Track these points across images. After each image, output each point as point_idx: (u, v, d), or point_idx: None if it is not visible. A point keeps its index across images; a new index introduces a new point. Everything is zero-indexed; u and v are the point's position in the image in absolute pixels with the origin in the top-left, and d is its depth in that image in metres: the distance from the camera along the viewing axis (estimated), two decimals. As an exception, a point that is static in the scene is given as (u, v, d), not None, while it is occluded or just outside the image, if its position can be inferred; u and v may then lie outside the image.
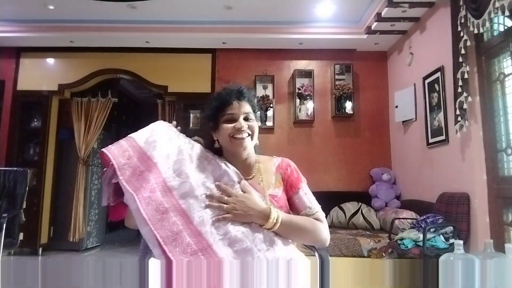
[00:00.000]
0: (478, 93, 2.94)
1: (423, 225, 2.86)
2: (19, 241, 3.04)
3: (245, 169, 1.25)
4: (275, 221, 1.11)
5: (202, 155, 1.21)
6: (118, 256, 4.72)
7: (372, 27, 4.11)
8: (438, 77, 3.44)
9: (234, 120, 1.20)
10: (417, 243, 2.83)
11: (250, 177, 1.25)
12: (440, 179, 3.42)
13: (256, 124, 1.24)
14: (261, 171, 1.27)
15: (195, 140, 1.30)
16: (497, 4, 2.37)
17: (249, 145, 1.22)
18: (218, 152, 1.27)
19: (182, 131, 1.29)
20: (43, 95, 4.79)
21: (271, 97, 4.64)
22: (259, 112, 1.30)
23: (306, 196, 1.26)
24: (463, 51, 2.86)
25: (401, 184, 4.36)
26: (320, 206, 1.27)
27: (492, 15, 2.47)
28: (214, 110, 1.23)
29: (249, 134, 1.21)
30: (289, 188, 1.26)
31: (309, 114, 4.68)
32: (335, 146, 4.68)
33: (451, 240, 2.80)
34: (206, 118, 1.28)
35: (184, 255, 0.96)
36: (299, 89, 4.67)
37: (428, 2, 3.57)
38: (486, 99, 2.89)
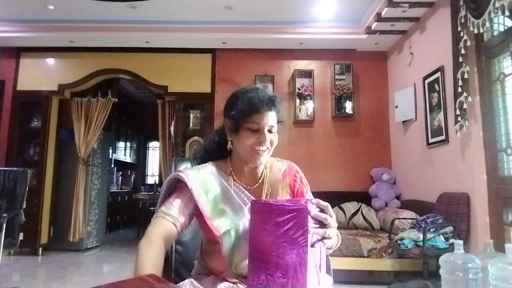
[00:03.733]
0: (478, 93, 2.94)
1: (423, 225, 2.86)
2: (19, 241, 3.03)
3: (252, 177, 1.20)
4: (339, 242, 1.10)
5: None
6: (118, 256, 4.73)
7: (372, 27, 4.11)
8: (438, 77, 3.44)
9: (257, 130, 1.11)
10: (417, 243, 2.83)
11: (256, 186, 1.19)
12: (440, 179, 3.42)
13: (276, 139, 1.15)
14: (268, 179, 1.21)
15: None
16: (497, 4, 2.37)
17: (265, 158, 1.15)
18: (226, 152, 1.21)
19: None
20: (43, 95, 4.79)
21: (271, 97, 4.63)
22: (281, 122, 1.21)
23: None
24: (463, 51, 2.86)
25: (401, 184, 4.36)
26: None
27: (492, 15, 2.47)
28: (240, 112, 1.11)
29: (267, 148, 1.13)
30: (299, 197, 1.22)
31: (309, 114, 4.68)
32: (335, 146, 4.68)
33: (451, 240, 2.80)
34: (228, 116, 1.16)
35: None
36: (299, 89, 4.67)
37: (428, 2, 3.56)
38: (486, 99, 2.89)
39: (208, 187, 1.12)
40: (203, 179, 1.13)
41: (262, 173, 1.21)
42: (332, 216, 0.96)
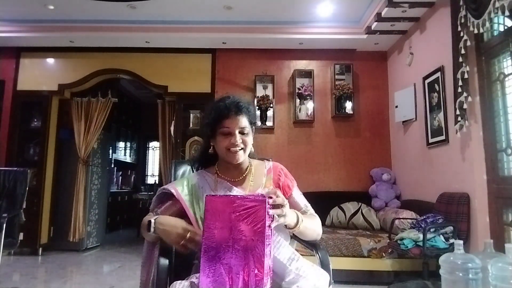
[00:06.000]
0: (478, 93, 2.94)
1: (423, 225, 2.86)
2: (19, 241, 3.03)
3: (237, 171, 1.34)
4: (301, 221, 1.17)
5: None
6: (118, 256, 4.73)
7: (372, 27, 4.11)
8: (438, 77, 3.44)
9: (229, 134, 1.26)
10: (417, 243, 2.83)
11: (239, 178, 1.33)
12: (440, 179, 3.42)
13: (250, 139, 1.30)
14: (252, 173, 1.35)
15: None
16: (497, 4, 2.37)
17: (242, 157, 1.29)
18: (214, 156, 1.37)
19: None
20: (43, 95, 4.79)
21: (271, 97, 4.64)
22: (257, 123, 1.38)
23: (300, 197, 1.37)
24: (463, 51, 2.86)
25: (401, 184, 4.35)
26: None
27: (492, 15, 2.47)
28: (212, 120, 1.29)
29: (242, 148, 1.27)
30: (283, 191, 1.33)
31: (309, 114, 4.68)
32: (335, 146, 4.68)
33: (451, 240, 2.80)
34: (205, 125, 1.35)
35: None
36: (299, 89, 4.67)
37: (428, 2, 3.57)
38: (486, 99, 2.89)
39: (194, 196, 1.27)
40: (190, 189, 1.29)
41: (247, 168, 1.36)
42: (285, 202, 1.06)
